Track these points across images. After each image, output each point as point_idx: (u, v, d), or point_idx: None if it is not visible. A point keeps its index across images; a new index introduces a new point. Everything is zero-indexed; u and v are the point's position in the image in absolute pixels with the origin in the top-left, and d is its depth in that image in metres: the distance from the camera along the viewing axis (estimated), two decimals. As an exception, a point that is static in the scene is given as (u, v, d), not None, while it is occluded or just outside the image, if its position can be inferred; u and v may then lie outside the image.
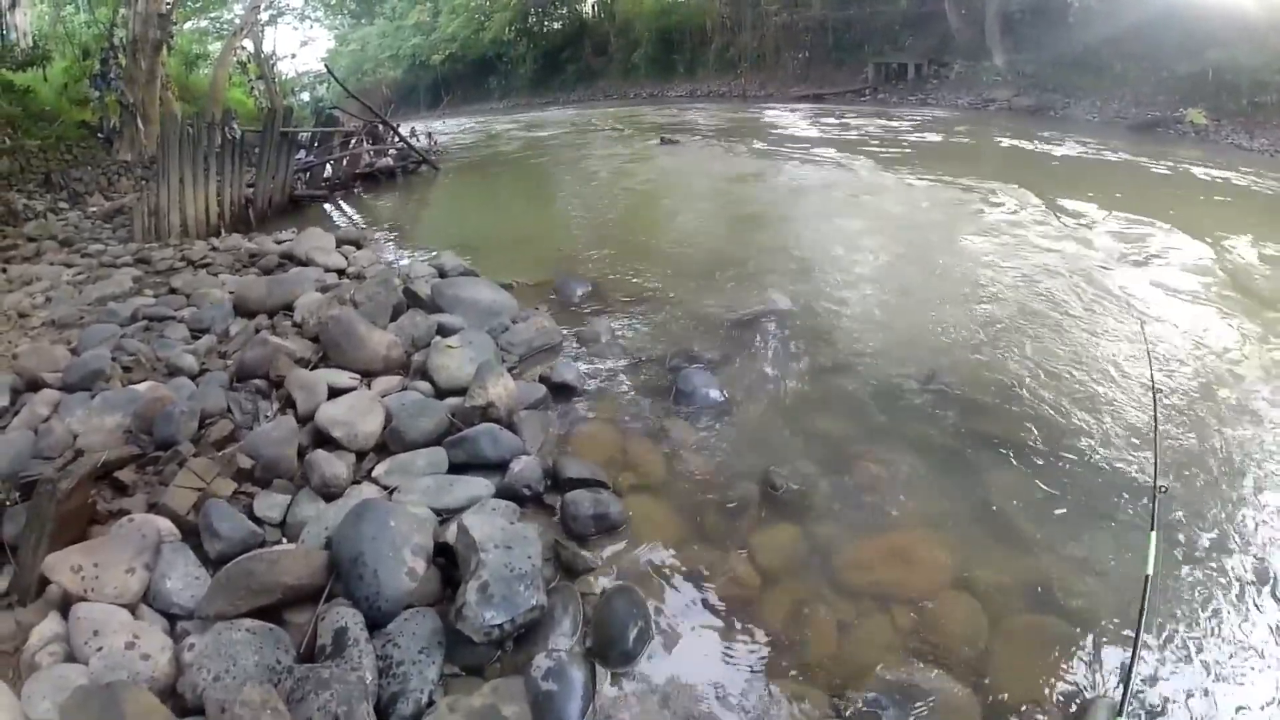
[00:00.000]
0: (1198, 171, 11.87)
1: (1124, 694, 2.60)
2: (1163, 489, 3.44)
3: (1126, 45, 18.12)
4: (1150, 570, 2.91)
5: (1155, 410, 4.16)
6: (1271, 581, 3.26)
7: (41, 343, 5.80)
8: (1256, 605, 3.15)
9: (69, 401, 4.50)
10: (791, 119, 20.33)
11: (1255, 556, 3.42)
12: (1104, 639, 2.98)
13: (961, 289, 6.63)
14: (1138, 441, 4.25)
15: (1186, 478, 3.95)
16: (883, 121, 18.63)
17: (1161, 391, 4.44)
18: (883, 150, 14.49)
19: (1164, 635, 2.99)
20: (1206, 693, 2.77)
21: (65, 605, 2.93)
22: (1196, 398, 4.76)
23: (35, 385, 4.83)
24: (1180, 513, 3.66)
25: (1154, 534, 3.11)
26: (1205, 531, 3.58)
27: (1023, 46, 21.44)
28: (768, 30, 29.50)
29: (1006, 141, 14.97)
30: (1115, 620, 3.05)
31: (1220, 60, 15.84)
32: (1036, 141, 14.75)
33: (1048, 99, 19.49)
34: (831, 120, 19.43)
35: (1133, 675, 2.64)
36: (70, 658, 2.74)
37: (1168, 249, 7.76)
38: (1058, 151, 13.88)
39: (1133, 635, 2.77)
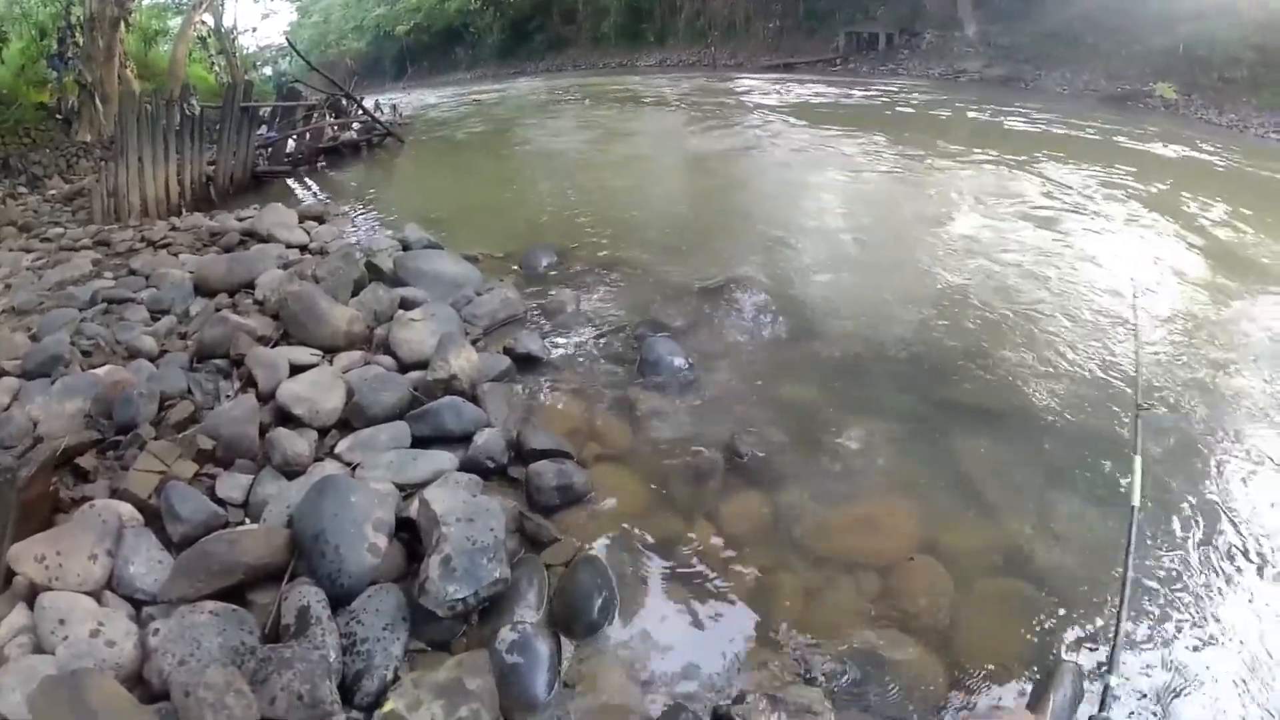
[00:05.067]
0: (1163, 144, 11.95)
1: (1114, 643, 2.52)
2: (1145, 407, 3.31)
3: (1099, 18, 18.11)
4: (1136, 501, 2.84)
5: (1137, 331, 4.14)
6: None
7: (1, 330, 5.69)
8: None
9: (29, 388, 4.44)
10: (760, 88, 20.12)
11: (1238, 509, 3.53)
12: (1072, 603, 3.02)
13: (930, 255, 6.66)
14: (1108, 397, 4.36)
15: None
16: (852, 91, 18.51)
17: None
18: (851, 119, 14.43)
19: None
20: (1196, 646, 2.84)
21: (31, 596, 2.89)
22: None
23: (-5, 374, 4.75)
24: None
25: (1137, 459, 2.98)
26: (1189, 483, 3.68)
27: (995, 17, 21.35)
28: (738, -1, 29.19)
29: (975, 111, 14.95)
30: (1084, 586, 3.09)
31: (1192, 35, 15.86)
32: (1005, 112, 14.74)
33: (1019, 70, 19.39)
34: (800, 89, 19.26)
35: (1121, 623, 2.57)
36: (38, 648, 2.70)
37: (1132, 211, 7.88)
38: (1026, 121, 13.90)
39: (1115, 600, 2.70)
